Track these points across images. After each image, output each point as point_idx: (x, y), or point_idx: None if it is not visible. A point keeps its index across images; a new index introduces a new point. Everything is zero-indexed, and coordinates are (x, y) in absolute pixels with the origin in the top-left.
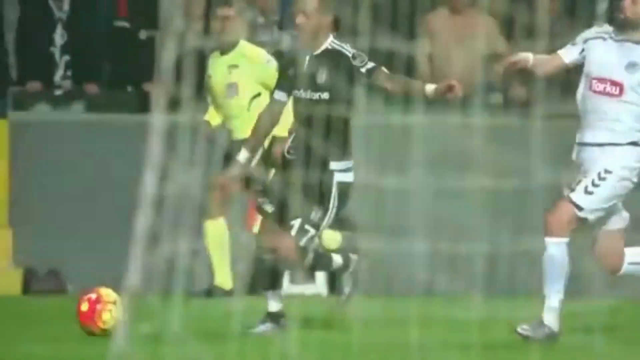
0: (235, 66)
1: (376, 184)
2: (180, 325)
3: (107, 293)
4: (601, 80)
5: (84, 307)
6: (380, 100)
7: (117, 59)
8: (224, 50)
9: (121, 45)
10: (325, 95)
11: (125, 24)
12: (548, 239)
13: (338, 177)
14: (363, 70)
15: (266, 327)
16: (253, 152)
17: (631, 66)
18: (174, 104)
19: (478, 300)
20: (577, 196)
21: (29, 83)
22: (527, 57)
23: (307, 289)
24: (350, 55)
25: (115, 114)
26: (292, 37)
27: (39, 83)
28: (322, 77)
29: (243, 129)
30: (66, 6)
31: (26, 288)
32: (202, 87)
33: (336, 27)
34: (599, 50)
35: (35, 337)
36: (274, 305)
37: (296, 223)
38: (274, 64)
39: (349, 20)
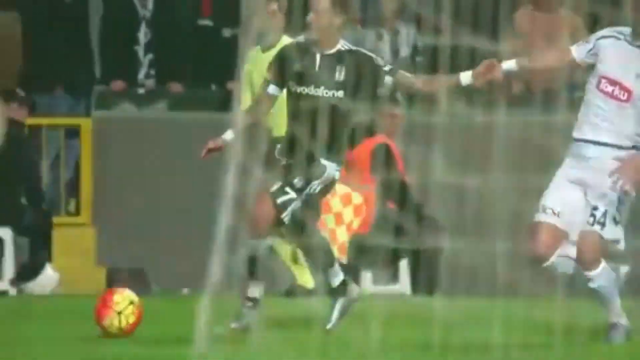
0: None
1: (458, 184)
2: (261, 325)
3: (117, 300)
4: (611, 82)
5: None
6: (462, 100)
7: (201, 57)
8: (266, 48)
9: (204, 43)
10: (340, 94)
11: (209, 23)
12: (589, 274)
13: (329, 169)
14: (387, 69)
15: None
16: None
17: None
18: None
19: (560, 301)
20: (609, 231)
21: (112, 82)
22: (500, 68)
23: (390, 288)
24: (373, 56)
25: (199, 112)
26: (376, 35)
27: (123, 82)
28: (340, 75)
29: (283, 127)
30: (150, 4)
31: (109, 287)
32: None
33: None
34: (611, 50)
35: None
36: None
37: (276, 185)
38: None
39: (431, 18)
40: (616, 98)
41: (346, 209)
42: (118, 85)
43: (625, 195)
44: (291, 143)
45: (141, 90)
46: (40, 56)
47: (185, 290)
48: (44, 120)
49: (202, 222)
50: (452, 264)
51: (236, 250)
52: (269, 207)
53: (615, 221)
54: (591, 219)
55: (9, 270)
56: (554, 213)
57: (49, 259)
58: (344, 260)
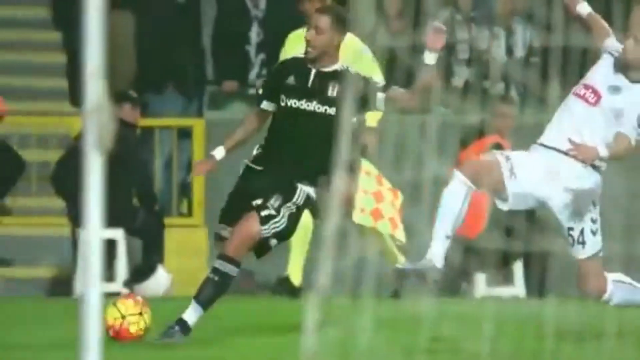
0: None
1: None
2: (370, 327)
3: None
4: (586, 85)
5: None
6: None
7: None
8: None
9: None
10: (332, 111)
11: None
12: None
13: (310, 191)
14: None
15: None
16: (228, 152)
17: (615, 89)
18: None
19: None
20: (590, 246)
21: (224, 82)
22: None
23: (504, 290)
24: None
25: None
26: (490, 34)
27: (235, 82)
28: (333, 92)
29: None
30: (262, 4)
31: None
32: (390, 85)
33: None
34: (603, 65)
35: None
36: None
37: (258, 201)
38: (369, 53)
39: (544, 17)
40: (586, 100)
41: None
42: (230, 85)
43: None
44: (267, 155)
45: (252, 91)
46: (152, 56)
47: None
48: (156, 122)
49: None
50: (563, 266)
51: (344, 252)
52: (250, 226)
53: (593, 232)
54: (570, 240)
55: (122, 271)
56: None
57: (161, 260)
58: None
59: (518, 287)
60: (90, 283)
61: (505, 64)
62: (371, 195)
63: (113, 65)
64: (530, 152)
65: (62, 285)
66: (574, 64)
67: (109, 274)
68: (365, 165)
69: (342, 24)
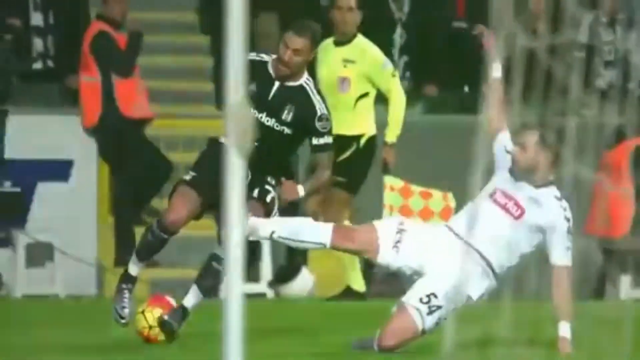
0: (351, 61)
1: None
2: (508, 329)
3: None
4: (506, 194)
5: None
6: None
7: (455, 59)
8: (340, 42)
9: (459, 45)
10: (289, 131)
11: (463, 25)
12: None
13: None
14: (315, 142)
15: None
16: None
17: (534, 201)
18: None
19: None
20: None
21: None
22: None
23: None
24: (318, 114)
25: (453, 115)
26: (636, 36)
27: None
28: (288, 116)
29: (343, 126)
30: (406, 7)
31: (365, 290)
32: (530, 89)
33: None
34: (503, 169)
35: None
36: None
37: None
38: (390, 67)
39: None
40: (510, 213)
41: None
42: None
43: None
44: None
45: None
46: None
47: None
48: None
49: None
50: None
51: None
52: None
53: (431, 311)
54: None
55: (267, 272)
56: None
57: (305, 262)
58: None
59: None
60: (232, 282)
61: None
62: (397, 211)
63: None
64: (435, 230)
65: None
66: None
67: (253, 275)
68: (389, 181)
69: (317, 43)
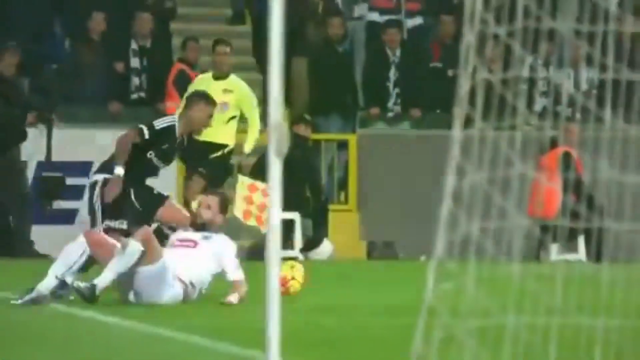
0: (230, 91)
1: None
2: (473, 284)
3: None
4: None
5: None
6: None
7: (434, 90)
8: (218, 77)
9: (435, 80)
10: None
11: (439, 65)
12: None
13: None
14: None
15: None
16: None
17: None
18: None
19: None
20: None
21: (371, 108)
22: None
23: (570, 257)
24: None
25: (433, 130)
26: (563, 72)
27: (377, 108)
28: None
29: (219, 136)
30: (398, 52)
31: (369, 255)
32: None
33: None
34: None
35: (376, 289)
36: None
37: None
38: (255, 100)
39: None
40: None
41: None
42: (374, 111)
43: None
44: None
45: (390, 114)
46: (320, 90)
47: (422, 258)
48: (322, 136)
49: (433, 208)
50: (614, 240)
51: (455, 228)
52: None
53: None
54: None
55: (298, 242)
56: None
57: (326, 234)
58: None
59: (580, 255)
60: (272, 250)
61: (572, 94)
62: (243, 200)
63: (293, 96)
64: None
65: (258, 252)
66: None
67: (288, 244)
68: (242, 179)
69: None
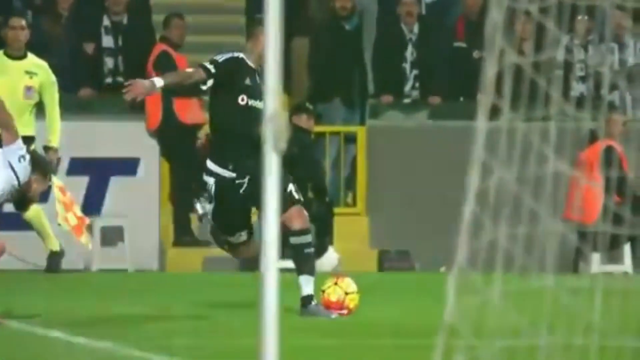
0: (34, 73)
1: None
2: (500, 298)
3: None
4: None
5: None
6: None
7: (456, 74)
8: (17, 56)
9: (459, 63)
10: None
11: (463, 44)
12: None
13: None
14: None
15: None
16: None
17: None
18: (495, 112)
19: None
20: None
21: (383, 96)
22: None
23: (614, 267)
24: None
25: (453, 120)
26: (605, 50)
27: (390, 96)
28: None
29: (28, 127)
30: (416, 29)
31: (380, 266)
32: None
33: None
34: None
35: (388, 305)
36: None
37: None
38: (56, 84)
39: None
40: None
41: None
42: (387, 99)
43: None
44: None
45: (407, 100)
46: (323, 74)
47: (442, 269)
48: (327, 128)
49: (454, 211)
50: None
51: (479, 234)
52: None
53: None
54: None
55: None
56: None
57: (331, 242)
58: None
59: (627, 265)
60: (269, 259)
61: (613, 77)
62: (62, 205)
63: (292, 82)
64: None
65: (251, 262)
66: None
67: (286, 253)
68: (55, 180)
69: None
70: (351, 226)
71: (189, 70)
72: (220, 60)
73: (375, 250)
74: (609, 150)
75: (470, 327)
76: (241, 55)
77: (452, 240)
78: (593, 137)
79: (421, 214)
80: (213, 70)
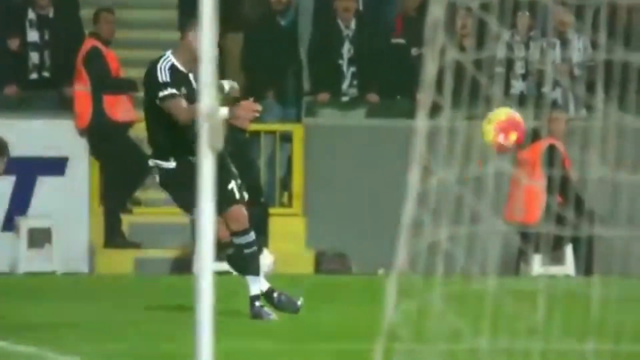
0: None
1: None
2: (440, 302)
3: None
4: None
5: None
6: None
7: (394, 71)
8: None
9: (397, 60)
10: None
11: (401, 41)
12: None
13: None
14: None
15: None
16: None
17: None
18: (435, 110)
19: None
20: None
21: (319, 94)
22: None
23: (555, 269)
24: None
25: (390, 119)
26: (546, 45)
27: (327, 94)
28: None
29: None
30: (353, 25)
31: (317, 268)
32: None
33: None
34: None
35: (325, 308)
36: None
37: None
38: None
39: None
40: None
41: None
42: (323, 97)
43: None
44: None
45: (345, 99)
46: (256, 71)
47: (380, 271)
48: (262, 127)
49: (393, 212)
50: (607, 249)
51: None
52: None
53: None
54: None
55: (231, 252)
56: None
57: (265, 243)
58: None
59: (568, 267)
60: (204, 261)
61: (555, 75)
62: None
63: (227, 79)
64: None
65: (184, 264)
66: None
67: (221, 254)
68: None
69: None
70: (287, 227)
71: (186, 107)
72: (168, 79)
73: (312, 252)
74: (551, 149)
75: (410, 332)
76: (172, 61)
77: (390, 241)
78: (535, 136)
79: (359, 215)
80: (177, 91)
